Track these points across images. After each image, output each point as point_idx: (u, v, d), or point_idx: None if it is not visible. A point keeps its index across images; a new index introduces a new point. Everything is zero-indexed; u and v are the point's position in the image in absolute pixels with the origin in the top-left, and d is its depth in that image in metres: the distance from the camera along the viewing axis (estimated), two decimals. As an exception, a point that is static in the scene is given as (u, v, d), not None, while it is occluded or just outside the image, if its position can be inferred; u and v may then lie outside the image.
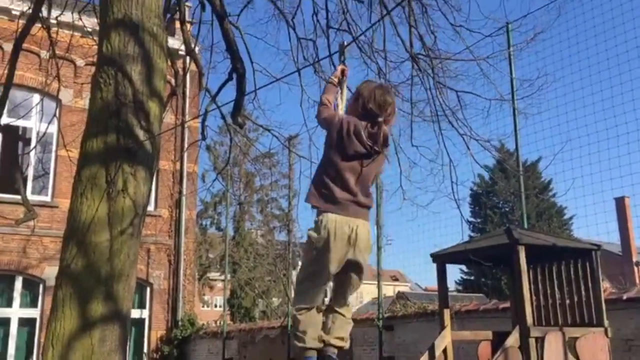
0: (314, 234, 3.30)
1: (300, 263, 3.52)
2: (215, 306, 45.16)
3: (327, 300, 3.59)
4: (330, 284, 3.50)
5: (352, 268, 3.37)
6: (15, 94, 10.53)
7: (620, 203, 29.89)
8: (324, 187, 3.35)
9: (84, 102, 13.35)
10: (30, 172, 13.54)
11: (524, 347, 4.92)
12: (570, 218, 33.89)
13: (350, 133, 3.33)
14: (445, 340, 5.57)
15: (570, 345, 5.07)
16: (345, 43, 3.78)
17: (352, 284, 3.44)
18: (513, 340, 4.96)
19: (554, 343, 4.92)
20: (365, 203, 3.38)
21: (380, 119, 3.34)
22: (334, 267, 3.31)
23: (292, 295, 3.66)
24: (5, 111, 6.29)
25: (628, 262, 31.65)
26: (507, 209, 34.50)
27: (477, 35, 6.38)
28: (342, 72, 3.71)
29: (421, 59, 6.53)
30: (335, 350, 3.39)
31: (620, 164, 6.51)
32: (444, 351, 5.53)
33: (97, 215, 4.02)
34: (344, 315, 3.48)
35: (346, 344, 3.44)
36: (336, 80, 3.66)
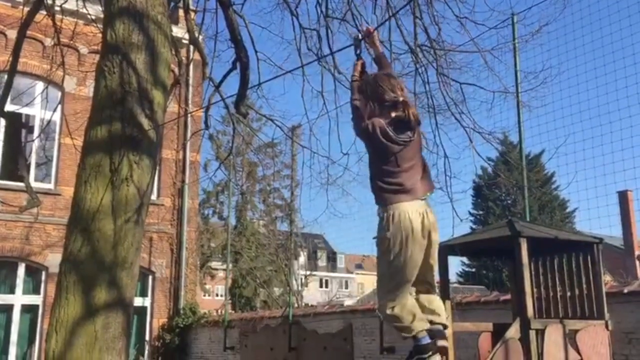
0: (386, 234, 3.30)
1: (378, 261, 3.48)
2: (217, 295, 45.31)
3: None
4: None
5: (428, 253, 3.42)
6: (19, 81, 10.54)
7: (623, 196, 29.82)
8: (390, 184, 3.35)
9: (88, 90, 13.35)
10: (33, 160, 13.56)
11: (524, 339, 4.94)
12: (573, 211, 33.91)
13: (385, 139, 3.32)
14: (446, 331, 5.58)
15: (570, 338, 5.09)
16: (360, 37, 3.75)
17: (431, 267, 3.48)
18: (513, 331, 4.98)
19: (554, 335, 4.94)
20: (430, 186, 3.45)
21: (403, 100, 3.36)
22: (415, 260, 3.35)
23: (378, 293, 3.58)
24: (9, 98, 6.30)
25: (630, 255, 31.64)
26: (509, 202, 34.50)
27: (481, 27, 6.37)
28: (362, 66, 3.67)
29: (425, 50, 6.52)
30: (440, 327, 3.46)
31: (624, 157, 6.50)
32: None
33: (101, 203, 4.04)
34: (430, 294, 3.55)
35: (444, 320, 3.52)
36: (359, 77, 3.61)
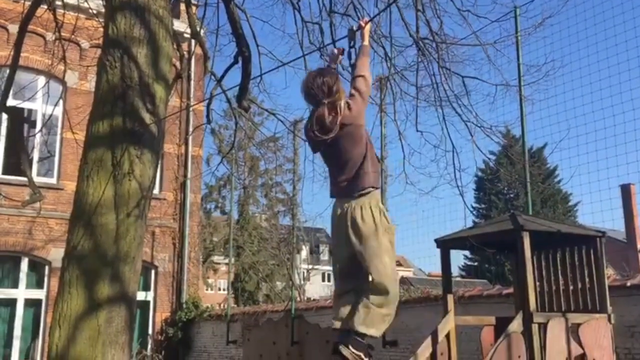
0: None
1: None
2: (219, 289, 45.40)
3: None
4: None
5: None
6: (21, 76, 10.52)
7: (625, 190, 29.75)
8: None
9: (90, 85, 13.33)
10: (35, 155, 13.58)
11: (526, 333, 4.93)
12: (575, 205, 33.88)
13: (306, 135, 3.56)
14: (448, 325, 5.59)
15: (573, 331, 5.09)
16: (355, 28, 3.73)
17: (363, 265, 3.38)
18: (516, 325, 4.97)
19: (556, 329, 4.94)
20: (344, 183, 3.41)
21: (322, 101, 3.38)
22: (337, 254, 3.44)
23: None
24: (11, 93, 6.29)
25: (632, 249, 31.61)
26: (511, 195, 34.47)
27: (484, 20, 6.34)
28: (341, 52, 3.75)
29: (427, 44, 6.50)
30: (347, 333, 3.32)
31: (627, 150, 6.48)
32: (447, 336, 5.55)
33: (104, 197, 4.04)
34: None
35: (351, 326, 3.32)
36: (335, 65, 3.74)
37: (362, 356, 3.24)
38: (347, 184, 3.40)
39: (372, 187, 3.40)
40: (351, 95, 3.44)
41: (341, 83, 3.48)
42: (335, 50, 3.83)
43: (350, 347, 3.23)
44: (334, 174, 3.49)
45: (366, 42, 3.62)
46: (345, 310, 3.40)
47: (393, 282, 3.33)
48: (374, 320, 3.29)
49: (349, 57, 3.70)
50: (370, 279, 3.35)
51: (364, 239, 3.31)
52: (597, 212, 6.60)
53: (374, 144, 3.70)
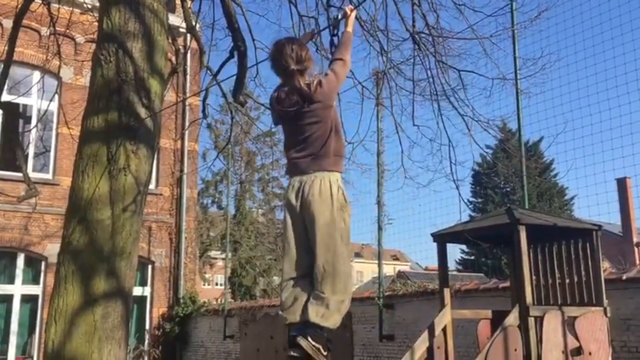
0: None
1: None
2: (216, 284, 45.44)
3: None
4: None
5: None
6: (16, 71, 10.49)
7: (621, 184, 29.82)
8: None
9: (85, 80, 13.29)
10: (31, 150, 13.53)
11: (523, 326, 4.95)
12: (572, 198, 33.93)
13: (271, 108, 3.43)
14: (445, 318, 5.60)
15: (569, 324, 5.11)
16: (340, 16, 3.69)
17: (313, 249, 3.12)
18: (512, 319, 4.99)
19: (553, 322, 4.95)
20: (300, 160, 3.21)
21: (291, 69, 3.23)
22: (287, 235, 3.18)
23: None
24: (5, 88, 6.26)
25: (628, 242, 31.74)
26: (508, 189, 34.51)
27: (480, 14, 6.33)
28: (313, 34, 3.83)
29: (423, 38, 6.48)
30: (301, 327, 3.08)
31: (623, 144, 6.50)
32: (444, 329, 5.57)
33: (99, 192, 4.03)
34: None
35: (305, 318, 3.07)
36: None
37: (321, 349, 2.99)
38: (303, 161, 3.22)
39: (332, 169, 3.21)
40: (326, 74, 3.33)
41: (310, 52, 3.35)
42: (309, 34, 3.81)
43: (309, 338, 2.98)
44: (291, 150, 3.30)
45: (349, 29, 3.53)
46: (298, 301, 3.13)
47: (343, 264, 3.08)
48: (331, 313, 3.05)
49: (331, 45, 3.65)
50: (319, 261, 3.08)
51: (317, 214, 3.08)
52: (593, 205, 6.64)
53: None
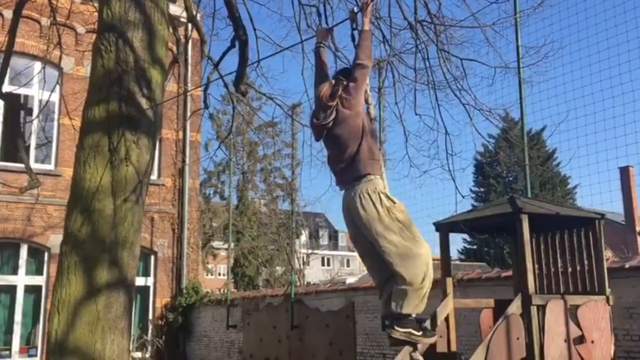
0: None
1: None
2: (219, 274, 45.58)
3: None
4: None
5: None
6: (16, 62, 10.46)
7: (624, 172, 29.80)
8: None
9: (86, 70, 13.26)
10: (32, 141, 13.53)
11: (525, 315, 4.95)
12: (574, 187, 33.89)
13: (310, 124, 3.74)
14: (447, 307, 5.60)
15: (571, 313, 5.11)
16: (356, 10, 3.70)
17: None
18: (515, 307, 4.98)
19: (555, 310, 4.95)
20: (342, 172, 3.51)
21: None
22: (358, 248, 3.63)
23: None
24: (6, 79, 6.25)
25: (631, 231, 31.74)
26: (510, 178, 34.48)
27: (482, 2, 6.27)
28: (329, 31, 3.96)
29: (426, 26, 6.44)
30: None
31: (626, 132, 6.46)
32: (446, 318, 5.57)
33: (101, 183, 4.03)
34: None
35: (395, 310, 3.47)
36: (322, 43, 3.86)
37: (412, 331, 3.41)
38: (344, 172, 3.46)
39: (368, 174, 3.42)
40: (349, 84, 3.47)
41: (330, 85, 3.54)
42: (324, 30, 3.87)
43: (396, 327, 3.40)
44: (333, 162, 3.55)
45: (367, 27, 3.61)
46: (385, 301, 3.56)
47: (409, 258, 3.37)
48: (409, 300, 3.40)
49: (353, 39, 3.69)
50: (391, 266, 3.42)
51: (370, 228, 3.37)
52: (596, 194, 6.62)
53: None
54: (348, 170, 3.44)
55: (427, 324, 3.74)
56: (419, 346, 3.56)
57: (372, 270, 3.63)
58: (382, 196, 3.39)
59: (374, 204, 3.35)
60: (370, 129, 3.56)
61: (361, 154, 3.42)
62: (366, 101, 3.70)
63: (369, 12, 3.64)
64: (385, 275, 3.53)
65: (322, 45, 3.77)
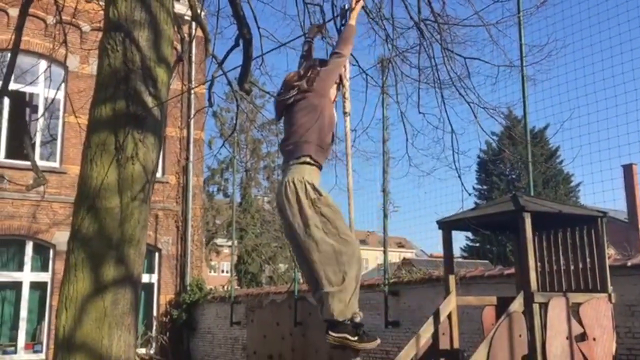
0: None
1: None
2: (222, 272, 45.66)
3: None
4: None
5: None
6: (22, 60, 10.50)
7: (627, 170, 29.76)
8: None
9: (91, 69, 13.31)
10: (38, 139, 13.60)
11: (527, 312, 4.98)
12: (577, 185, 33.86)
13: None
14: (450, 305, 5.64)
15: (573, 311, 5.14)
16: (347, 6, 3.75)
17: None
18: (517, 305, 5.02)
19: (557, 308, 4.98)
20: (288, 147, 3.34)
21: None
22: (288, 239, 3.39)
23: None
24: (12, 77, 6.28)
25: (634, 229, 31.65)
26: (513, 176, 34.45)
27: (486, 1, 6.31)
28: (320, 28, 4.04)
29: (429, 25, 6.46)
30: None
31: (629, 130, 6.49)
32: (449, 316, 5.61)
33: (107, 181, 4.07)
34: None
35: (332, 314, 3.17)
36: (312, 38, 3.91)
37: (347, 336, 3.11)
38: (289, 148, 3.31)
39: (309, 158, 3.23)
40: (321, 69, 3.46)
41: (299, 72, 3.53)
42: (316, 26, 3.94)
43: (330, 332, 3.13)
44: (283, 143, 3.43)
45: (352, 22, 3.62)
46: (318, 300, 3.29)
47: (330, 256, 3.12)
48: (333, 304, 3.12)
49: (339, 34, 3.73)
50: (312, 265, 3.18)
51: (293, 221, 3.16)
52: (599, 192, 6.63)
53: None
54: (292, 149, 3.26)
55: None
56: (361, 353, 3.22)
57: (303, 266, 3.35)
58: (309, 186, 3.17)
59: (297, 194, 3.16)
60: (330, 119, 3.38)
61: (311, 135, 3.25)
62: (343, 95, 3.61)
63: (358, 8, 3.67)
64: (308, 268, 3.28)
65: (310, 39, 3.83)
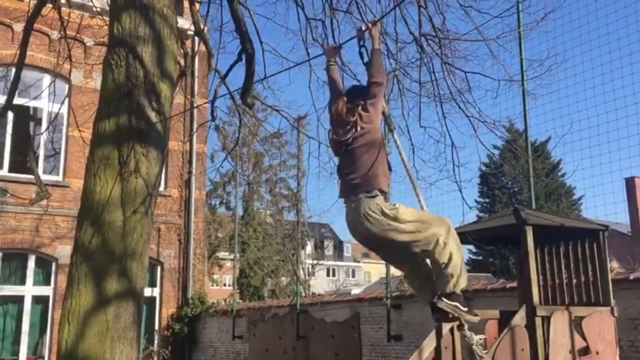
0: None
1: None
2: (225, 285, 45.54)
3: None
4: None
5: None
6: (27, 75, 10.59)
7: (630, 183, 29.73)
8: None
9: (94, 83, 13.40)
10: (41, 153, 13.66)
11: (530, 326, 4.97)
12: (579, 198, 33.81)
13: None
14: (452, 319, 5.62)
15: (576, 324, 5.12)
16: (363, 28, 3.80)
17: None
18: (519, 319, 5.01)
19: (560, 322, 4.97)
20: (353, 181, 3.56)
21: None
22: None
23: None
24: (17, 91, 6.34)
25: (637, 242, 31.55)
26: (515, 190, 34.42)
27: (486, 16, 6.36)
28: (337, 49, 4.10)
29: (430, 39, 6.51)
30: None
31: (630, 144, 6.51)
32: (451, 330, 5.59)
33: (111, 195, 4.09)
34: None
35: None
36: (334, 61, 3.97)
37: (459, 305, 3.55)
38: (355, 185, 3.52)
39: (379, 190, 3.51)
40: (367, 101, 3.57)
41: (344, 102, 3.66)
42: (333, 48, 4.00)
43: (445, 300, 3.52)
44: (345, 173, 3.61)
45: (377, 46, 3.70)
46: (423, 288, 3.77)
47: (430, 243, 3.49)
48: (450, 279, 3.55)
49: (361, 57, 3.79)
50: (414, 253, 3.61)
51: (392, 239, 3.50)
52: (601, 205, 6.64)
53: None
54: (361, 183, 3.51)
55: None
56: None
57: (396, 263, 3.92)
58: (383, 208, 3.47)
59: (379, 219, 3.45)
60: (383, 146, 3.67)
61: (377, 169, 3.51)
62: (384, 114, 3.87)
63: (377, 31, 3.73)
64: (411, 263, 3.73)
65: (332, 63, 3.86)
